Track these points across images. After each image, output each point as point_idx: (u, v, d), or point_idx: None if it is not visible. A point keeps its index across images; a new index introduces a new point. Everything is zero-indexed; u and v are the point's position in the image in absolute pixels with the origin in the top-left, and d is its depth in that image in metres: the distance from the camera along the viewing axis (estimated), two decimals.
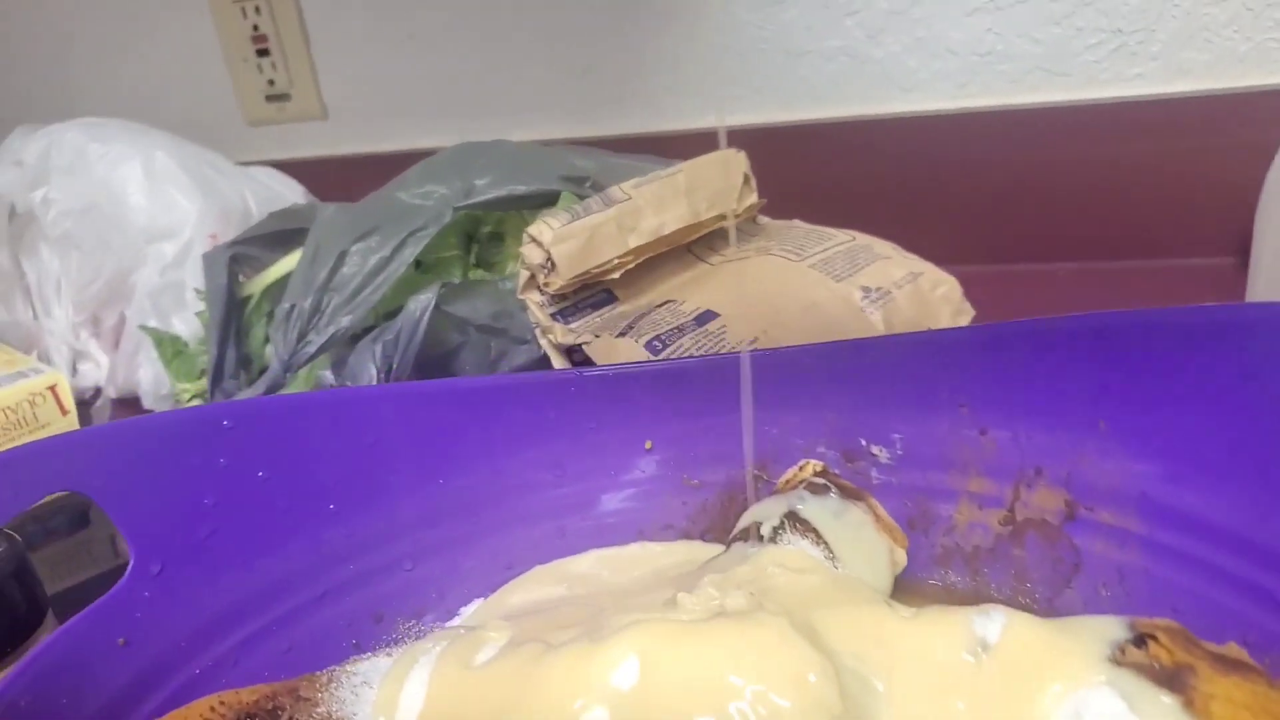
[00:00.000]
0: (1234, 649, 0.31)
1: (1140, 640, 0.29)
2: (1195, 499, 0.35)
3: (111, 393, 0.83)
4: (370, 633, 0.39)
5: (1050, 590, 0.38)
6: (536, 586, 0.41)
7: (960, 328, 0.46)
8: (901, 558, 0.38)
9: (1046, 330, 0.38)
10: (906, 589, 0.40)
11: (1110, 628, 0.30)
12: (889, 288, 0.61)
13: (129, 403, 0.82)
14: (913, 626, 0.32)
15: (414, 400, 0.40)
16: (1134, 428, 0.36)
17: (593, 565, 0.42)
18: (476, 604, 0.41)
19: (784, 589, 0.34)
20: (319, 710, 0.30)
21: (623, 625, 0.30)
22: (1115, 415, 0.36)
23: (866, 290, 0.60)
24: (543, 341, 0.64)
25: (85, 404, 0.83)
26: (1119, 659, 0.29)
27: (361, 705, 0.31)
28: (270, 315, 0.74)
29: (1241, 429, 0.33)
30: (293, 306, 0.67)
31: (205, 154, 0.87)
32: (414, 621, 0.40)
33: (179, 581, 0.35)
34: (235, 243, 0.75)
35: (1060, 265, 0.83)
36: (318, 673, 0.33)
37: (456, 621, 0.41)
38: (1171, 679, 0.27)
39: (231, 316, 0.73)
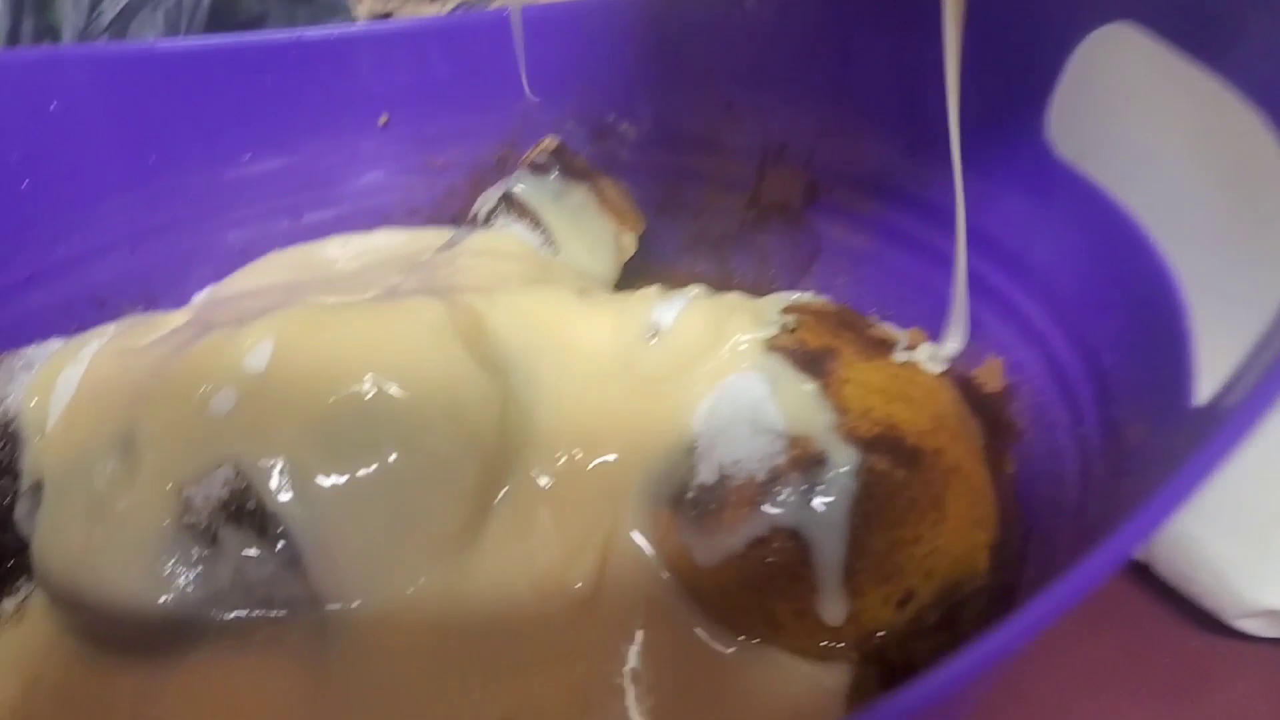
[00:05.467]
0: (916, 335, 0.30)
1: (793, 326, 0.27)
2: (927, 177, 0.32)
3: None
4: (93, 317, 0.38)
5: (790, 276, 0.37)
6: (269, 273, 0.39)
7: None
8: (630, 242, 0.36)
9: None
10: (656, 276, 0.39)
11: (774, 307, 0.28)
12: None
13: None
14: (591, 310, 0.30)
15: (108, 65, 0.36)
16: (877, 99, 0.33)
17: (333, 250, 0.40)
18: (210, 289, 0.39)
19: (473, 273, 0.32)
20: None
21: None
22: (860, 85, 0.33)
23: None
24: (358, 10, 0.58)
25: None
26: (773, 343, 0.27)
27: (14, 388, 0.30)
28: None
29: (984, 104, 0.30)
30: None
31: None
32: (143, 307, 0.38)
33: None
34: None
35: None
36: None
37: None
38: (813, 363, 0.26)
39: None
